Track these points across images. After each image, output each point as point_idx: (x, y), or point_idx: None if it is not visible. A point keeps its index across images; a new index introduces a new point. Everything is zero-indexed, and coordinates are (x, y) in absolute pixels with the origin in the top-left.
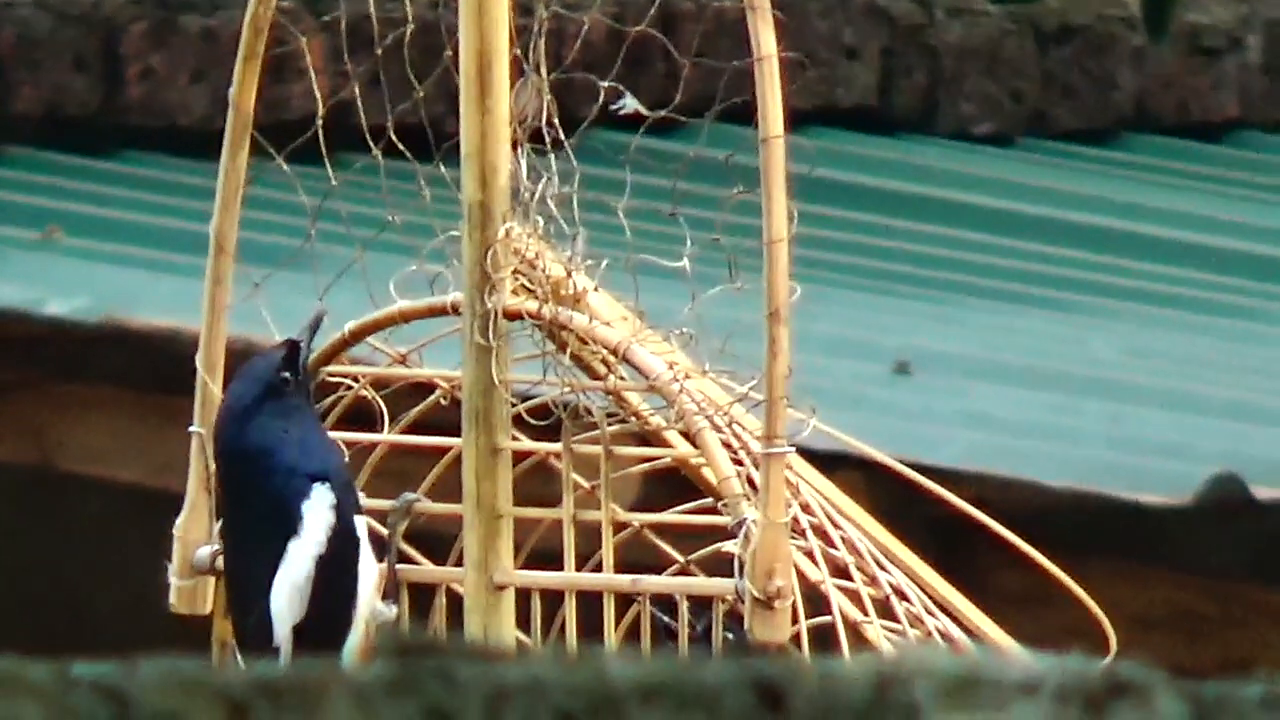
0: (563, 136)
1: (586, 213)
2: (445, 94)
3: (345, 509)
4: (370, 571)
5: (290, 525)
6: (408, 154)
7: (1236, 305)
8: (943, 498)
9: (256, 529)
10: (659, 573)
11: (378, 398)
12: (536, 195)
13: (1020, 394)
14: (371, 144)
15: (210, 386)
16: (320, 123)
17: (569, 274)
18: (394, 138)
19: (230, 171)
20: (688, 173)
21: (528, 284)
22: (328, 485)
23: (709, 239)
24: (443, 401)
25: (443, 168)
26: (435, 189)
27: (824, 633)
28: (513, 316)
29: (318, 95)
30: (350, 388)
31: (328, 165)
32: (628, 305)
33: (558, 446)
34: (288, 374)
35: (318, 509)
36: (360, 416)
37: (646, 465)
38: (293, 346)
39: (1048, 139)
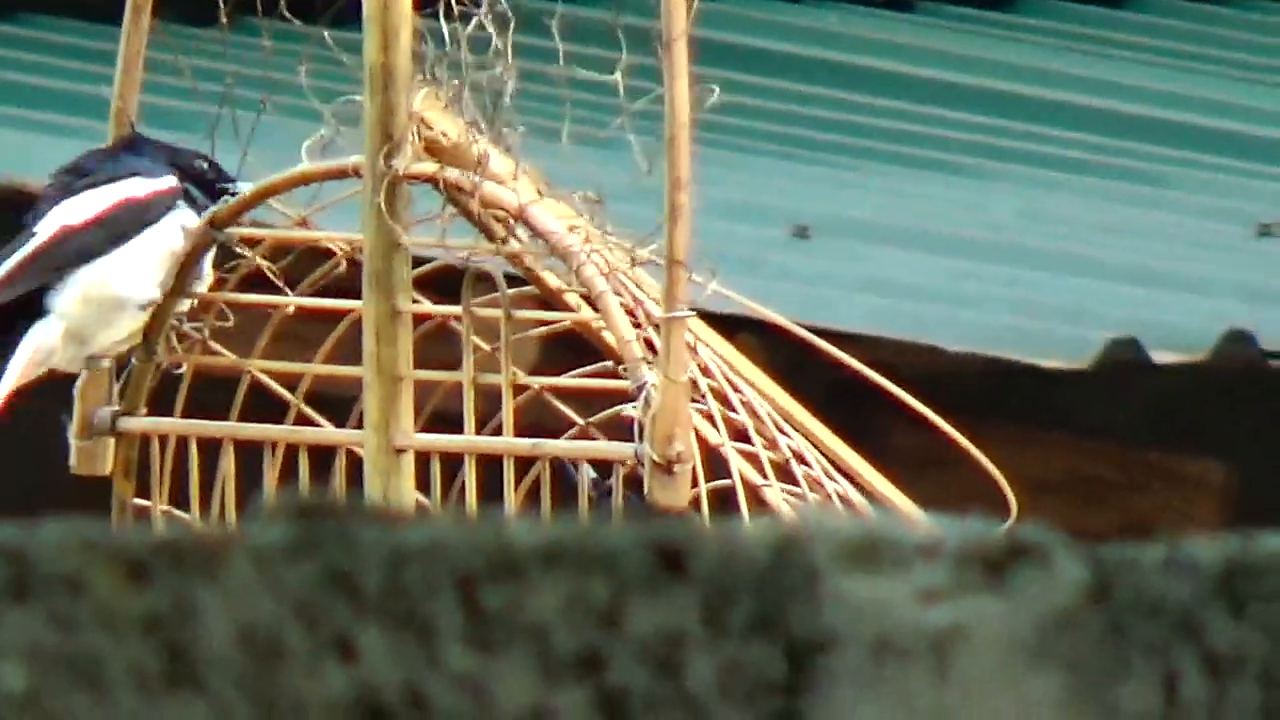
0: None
1: (493, 80)
2: None
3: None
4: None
5: None
6: (289, 17)
7: (1135, 170)
8: (841, 361)
9: None
10: (559, 436)
11: (274, 269)
12: (465, 70)
13: (919, 258)
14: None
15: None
16: None
17: (471, 139)
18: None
19: (131, 35)
20: (589, 38)
21: (430, 148)
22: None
23: (612, 103)
24: (341, 266)
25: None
26: (337, 52)
27: (724, 496)
28: (412, 180)
29: None
30: (251, 249)
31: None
32: (530, 171)
33: (457, 309)
34: None
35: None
36: (262, 280)
37: (546, 329)
38: None
39: (946, 3)
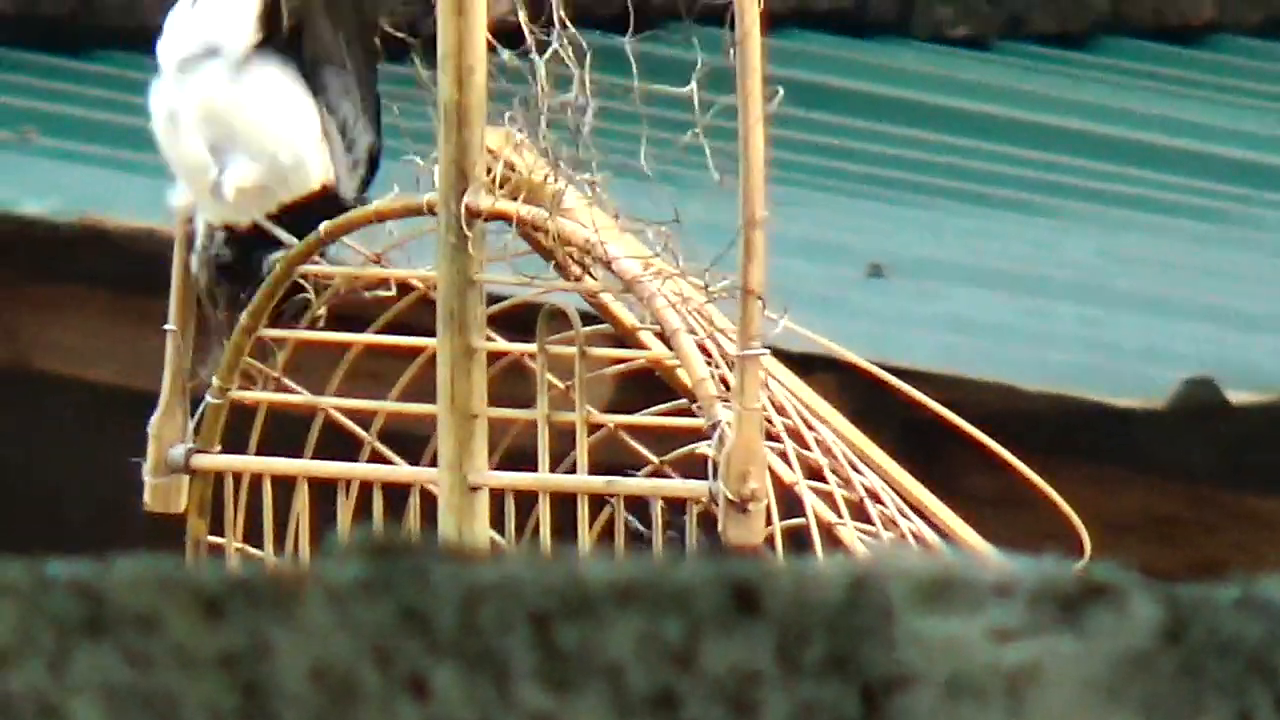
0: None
1: (566, 114)
2: None
3: None
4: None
5: None
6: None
7: (1211, 209)
8: (917, 400)
9: None
10: (633, 473)
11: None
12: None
13: (994, 297)
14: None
15: (186, 287)
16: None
17: (550, 178)
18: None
19: None
20: (664, 76)
21: (507, 185)
22: None
23: (686, 142)
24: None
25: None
26: (412, 89)
27: (798, 535)
28: (488, 217)
29: None
30: (325, 288)
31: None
32: (606, 206)
33: (532, 347)
34: None
35: None
36: (336, 317)
37: (621, 366)
38: None
39: (1023, 42)
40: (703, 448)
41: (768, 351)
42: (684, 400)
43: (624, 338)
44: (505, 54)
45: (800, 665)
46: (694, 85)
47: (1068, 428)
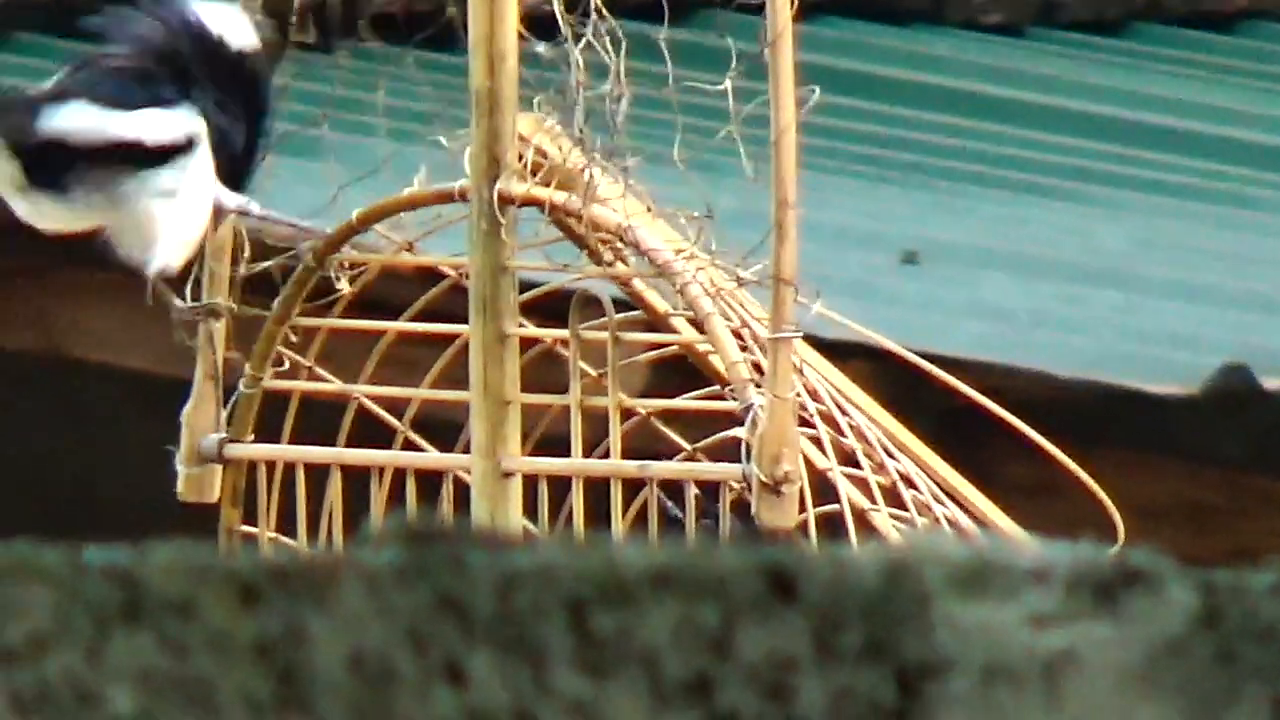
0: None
1: (600, 103)
2: None
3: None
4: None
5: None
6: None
7: (1246, 195)
8: (951, 386)
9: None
10: (666, 460)
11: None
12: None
13: (1028, 284)
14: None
15: (216, 272)
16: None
17: (584, 169)
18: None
19: None
20: (695, 61)
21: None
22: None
23: (719, 128)
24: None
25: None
26: (445, 75)
27: (831, 521)
28: (521, 203)
29: None
30: (357, 275)
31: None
32: (638, 192)
33: (565, 333)
34: None
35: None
36: (368, 304)
37: (654, 352)
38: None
39: (1057, 29)
40: (736, 432)
41: (800, 334)
42: (717, 386)
43: (657, 323)
44: (540, 46)
45: (836, 651)
46: (728, 83)
47: (1101, 414)
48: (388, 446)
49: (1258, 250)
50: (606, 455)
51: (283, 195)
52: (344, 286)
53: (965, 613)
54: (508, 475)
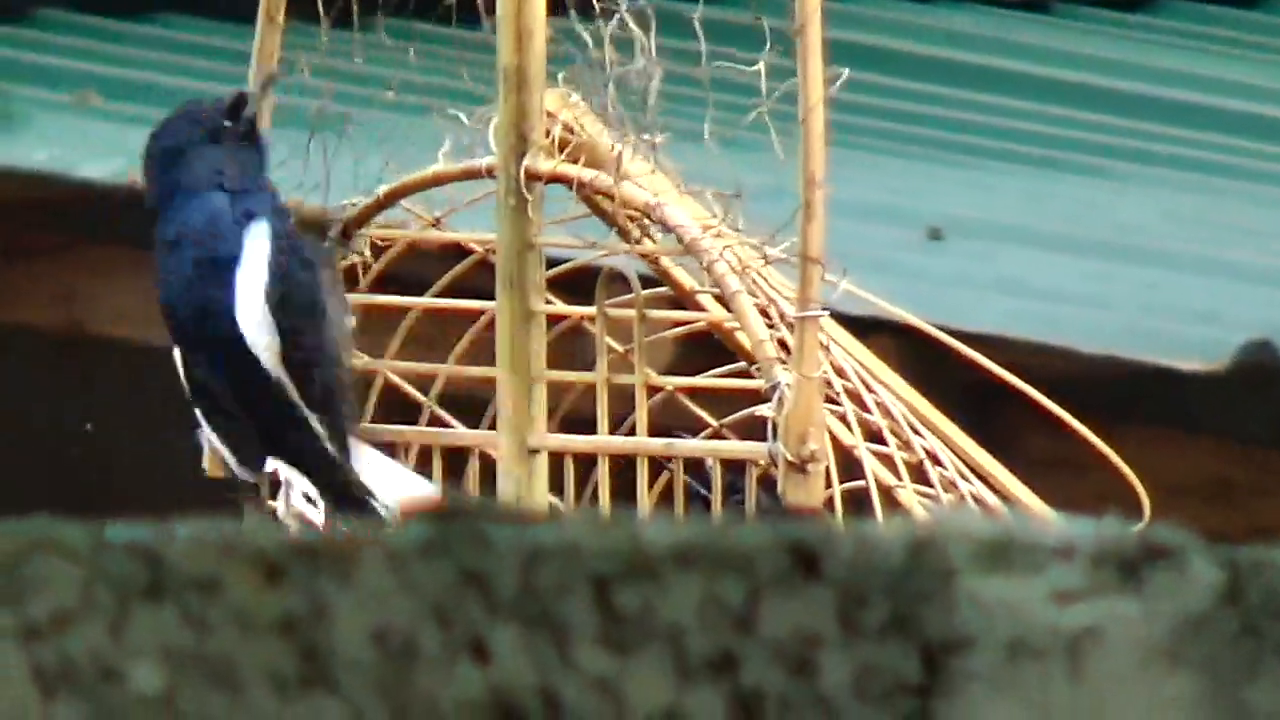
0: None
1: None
2: None
3: (286, 238)
4: (337, 301)
5: (232, 259)
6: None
7: (1270, 172)
8: (976, 363)
9: (197, 266)
10: (692, 437)
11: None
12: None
13: (1053, 260)
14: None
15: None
16: None
17: (607, 138)
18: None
19: (266, 34)
20: (723, 37)
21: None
22: (265, 220)
23: (746, 104)
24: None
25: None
26: (472, 52)
27: (857, 497)
28: (549, 180)
29: None
30: (383, 251)
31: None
32: (666, 170)
33: (591, 310)
34: (229, 121)
35: (257, 241)
36: (394, 280)
37: (680, 329)
38: (240, 96)
39: (1082, 4)
40: (762, 409)
41: (827, 313)
42: (743, 363)
43: (683, 301)
44: (573, 20)
45: (861, 628)
46: (761, 66)
47: (1126, 390)
48: (414, 423)
49: None
50: (633, 432)
51: (314, 171)
52: (366, 259)
53: (989, 589)
54: (534, 452)
